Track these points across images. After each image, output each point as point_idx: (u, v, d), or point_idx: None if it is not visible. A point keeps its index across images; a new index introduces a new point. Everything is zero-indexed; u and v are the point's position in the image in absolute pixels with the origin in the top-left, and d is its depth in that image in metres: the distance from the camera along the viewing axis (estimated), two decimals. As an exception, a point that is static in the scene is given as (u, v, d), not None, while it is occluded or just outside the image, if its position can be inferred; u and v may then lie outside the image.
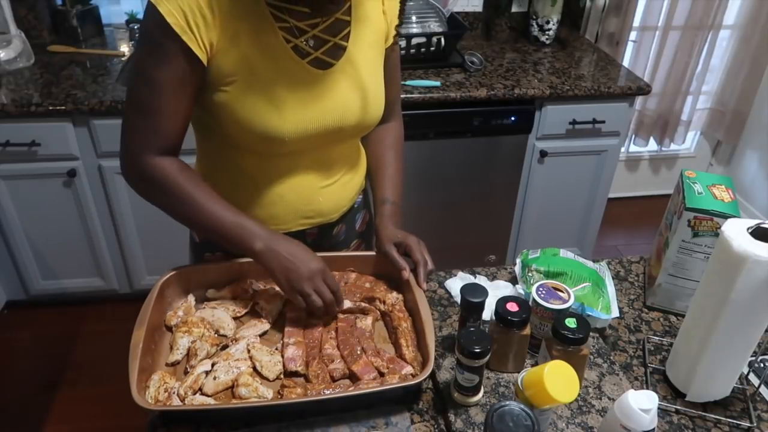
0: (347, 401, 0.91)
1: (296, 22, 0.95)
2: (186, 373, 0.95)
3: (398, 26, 1.09)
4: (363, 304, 1.07)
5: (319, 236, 1.19)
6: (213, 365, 0.94)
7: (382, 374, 0.95)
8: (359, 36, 1.02)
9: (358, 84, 1.02)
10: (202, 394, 0.91)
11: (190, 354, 0.97)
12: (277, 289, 1.11)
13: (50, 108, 1.87)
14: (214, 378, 0.92)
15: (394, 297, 1.09)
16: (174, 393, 0.89)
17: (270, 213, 1.11)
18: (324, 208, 1.14)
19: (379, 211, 1.15)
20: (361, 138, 1.19)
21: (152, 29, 0.89)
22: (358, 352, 0.98)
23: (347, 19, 1.00)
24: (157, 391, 0.89)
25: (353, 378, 0.95)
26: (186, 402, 0.89)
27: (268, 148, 1.01)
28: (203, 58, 0.91)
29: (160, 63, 0.90)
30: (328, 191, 1.13)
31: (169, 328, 1.02)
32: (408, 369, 0.95)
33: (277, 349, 1.00)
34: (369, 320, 1.05)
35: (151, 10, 0.88)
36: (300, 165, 1.07)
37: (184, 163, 1.00)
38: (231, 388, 0.93)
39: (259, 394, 0.91)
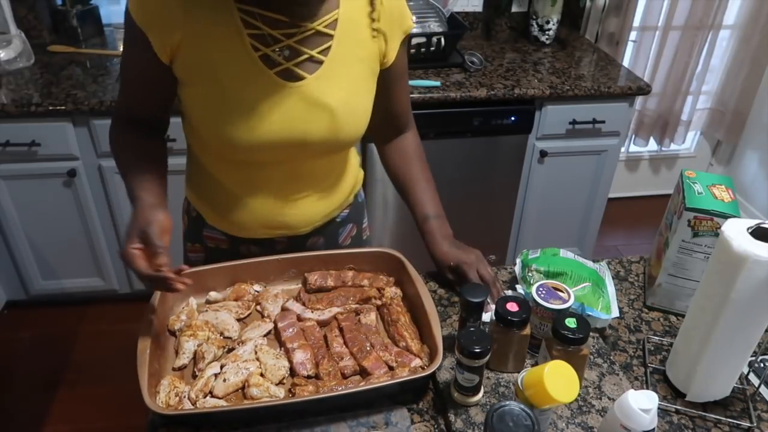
0: (359, 397, 0.91)
1: (270, 30, 0.93)
2: (194, 376, 0.95)
3: (408, 37, 1.07)
4: (355, 306, 1.08)
5: (290, 245, 1.17)
6: (222, 367, 0.95)
7: (391, 368, 0.96)
8: (342, 53, 0.98)
9: (332, 101, 0.98)
10: (213, 396, 0.91)
11: (197, 357, 0.97)
12: (278, 289, 1.12)
13: (50, 108, 1.87)
14: (224, 380, 0.92)
15: (392, 291, 1.09)
16: (185, 397, 0.90)
17: (236, 219, 1.11)
18: (291, 221, 1.11)
19: (424, 229, 1.14)
20: (380, 153, 1.20)
21: (126, 15, 0.92)
22: (368, 348, 0.98)
23: (330, 33, 0.97)
24: (168, 395, 0.89)
25: (364, 374, 0.96)
26: (198, 405, 0.89)
27: (229, 154, 1.00)
28: (162, 55, 0.92)
29: (129, 47, 0.96)
30: (297, 205, 1.10)
31: (173, 333, 1.02)
32: (417, 361, 0.96)
33: (281, 350, 1.00)
34: (373, 315, 1.06)
35: None
36: (267, 176, 1.05)
37: (148, 138, 1.04)
38: (241, 390, 0.93)
39: (270, 393, 0.91)
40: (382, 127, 1.17)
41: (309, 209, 1.12)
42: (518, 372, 0.97)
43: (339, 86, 0.99)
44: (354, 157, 1.22)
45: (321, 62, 0.97)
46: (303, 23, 0.94)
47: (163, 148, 1.09)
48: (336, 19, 0.97)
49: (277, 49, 0.94)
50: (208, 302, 1.09)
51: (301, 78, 0.96)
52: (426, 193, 1.18)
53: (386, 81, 1.08)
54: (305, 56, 0.96)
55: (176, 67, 0.94)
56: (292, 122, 0.97)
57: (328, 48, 0.97)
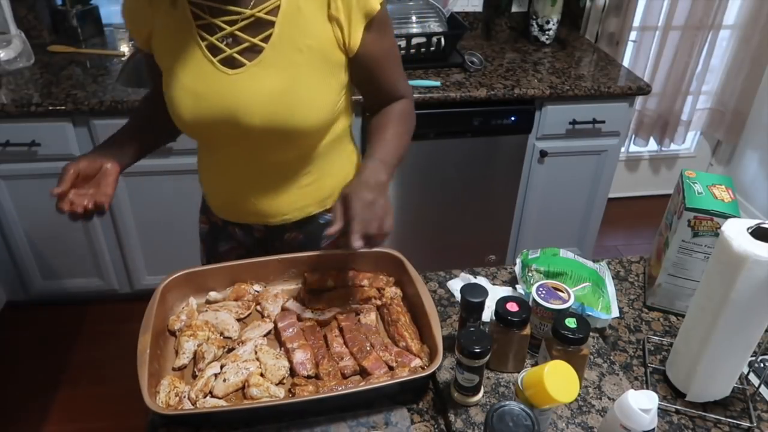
0: (359, 397, 0.91)
1: (213, 19, 0.98)
2: (194, 376, 0.95)
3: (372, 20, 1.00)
4: (355, 306, 1.08)
5: (267, 234, 1.19)
6: (222, 367, 0.95)
7: (391, 368, 0.96)
8: (285, 40, 0.98)
9: (269, 88, 0.98)
10: (213, 396, 0.91)
11: (196, 357, 0.97)
12: (278, 289, 1.12)
13: (50, 108, 1.87)
14: (224, 380, 0.92)
15: (392, 291, 1.09)
16: (185, 397, 0.90)
17: (213, 200, 1.21)
18: (260, 209, 1.13)
19: (366, 164, 1.04)
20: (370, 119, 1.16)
21: None
22: (368, 348, 0.98)
23: (272, 19, 0.97)
24: (168, 395, 0.89)
25: (364, 374, 0.96)
26: (198, 405, 0.89)
27: (187, 133, 1.08)
28: (142, 45, 1.07)
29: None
30: (266, 194, 1.11)
31: (173, 333, 1.02)
32: (417, 361, 0.96)
33: (281, 350, 1.00)
34: (373, 315, 1.06)
35: None
36: (233, 161, 1.10)
37: (148, 107, 1.17)
38: (241, 389, 0.93)
39: (270, 393, 0.91)
40: (374, 105, 1.16)
41: (278, 200, 1.12)
42: (518, 372, 0.97)
43: (278, 74, 0.99)
44: (344, 162, 1.18)
45: (261, 49, 0.99)
46: (239, 9, 0.97)
47: (156, 113, 1.14)
48: (278, 6, 0.97)
49: (222, 38, 0.99)
50: (208, 302, 1.09)
51: (242, 65, 0.99)
52: (386, 143, 1.09)
53: (363, 68, 1.06)
54: (246, 44, 0.99)
55: (154, 55, 1.06)
56: (230, 108, 1.00)
57: (269, 35, 0.98)
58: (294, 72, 0.99)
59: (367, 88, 1.12)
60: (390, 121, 1.12)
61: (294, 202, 1.14)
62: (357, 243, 0.91)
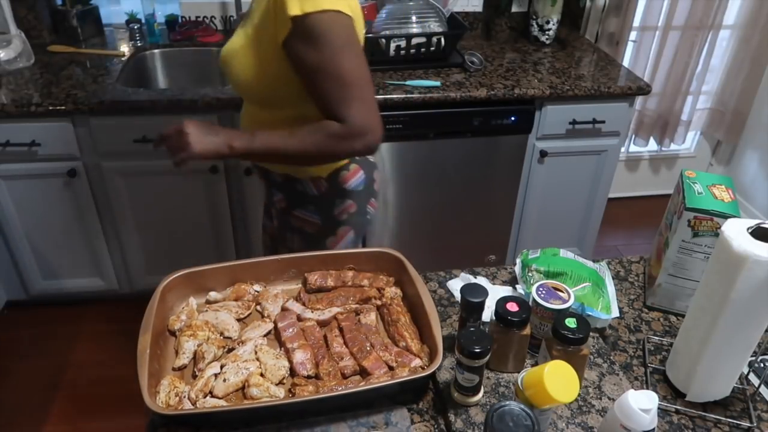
0: (359, 397, 0.91)
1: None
2: (194, 376, 0.95)
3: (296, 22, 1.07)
4: (355, 306, 1.08)
5: (264, 178, 1.39)
6: (222, 367, 0.95)
7: (391, 368, 0.95)
8: (253, 15, 1.17)
9: (228, 48, 1.23)
10: (213, 396, 0.91)
11: (196, 357, 0.97)
12: (278, 289, 1.12)
13: (50, 108, 1.87)
14: (224, 380, 0.92)
15: (392, 291, 1.09)
16: (185, 397, 0.90)
17: None
18: None
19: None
20: None
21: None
22: (368, 348, 0.98)
23: None
24: (168, 395, 0.89)
25: (364, 374, 0.96)
26: (198, 405, 0.89)
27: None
28: None
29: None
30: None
31: (173, 333, 1.02)
32: (417, 361, 0.96)
33: (281, 350, 1.00)
34: (373, 315, 1.06)
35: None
36: (242, 113, 1.34)
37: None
38: (241, 390, 0.93)
39: (270, 393, 0.91)
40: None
41: None
42: (518, 372, 0.97)
43: (237, 39, 1.21)
44: None
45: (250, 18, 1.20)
46: None
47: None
48: None
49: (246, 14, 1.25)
50: (208, 302, 1.09)
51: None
52: (274, 133, 1.16)
53: (299, 73, 1.13)
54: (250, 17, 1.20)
55: None
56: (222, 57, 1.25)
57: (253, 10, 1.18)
58: (243, 41, 1.19)
59: (311, 97, 1.16)
60: (301, 127, 1.14)
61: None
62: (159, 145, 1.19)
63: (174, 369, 0.97)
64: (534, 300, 0.97)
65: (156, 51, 2.35)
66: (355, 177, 1.33)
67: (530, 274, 1.13)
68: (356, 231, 1.38)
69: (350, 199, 1.33)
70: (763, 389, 0.99)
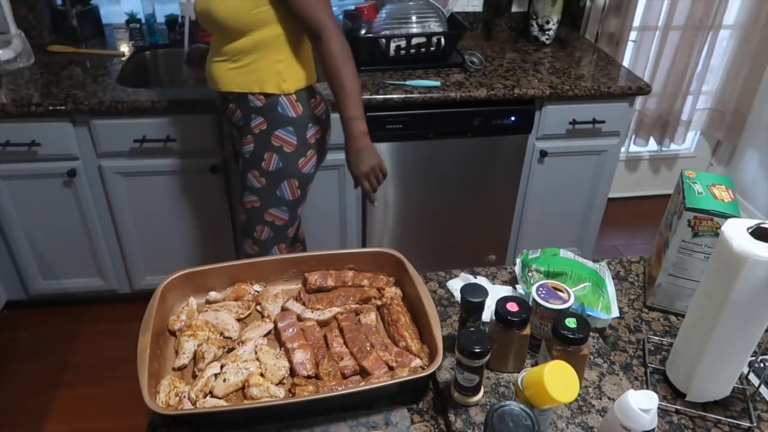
0: (359, 397, 0.91)
1: None
2: (194, 376, 0.95)
3: None
4: (355, 306, 1.08)
5: (221, 101, 1.62)
6: (222, 367, 0.95)
7: (391, 368, 0.95)
8: None
9: None
10: (213, 396, 0.91)
11: (197, 357, 0.97)
12: (278, 289, 1.12)
13: (50, 108, 1.87)
14: (224, 380, 0.92)
15: (392, 291, 1.09)
16: (185, 397, 0.90)
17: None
18: (212, 76, 1.55)
19: (344, 129, 1.48)
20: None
21: None
22: (368, 348, 0.98)
23: None
24: (168, 395, 0.89)
25: (364, 374, 0.96)
26: (198, 405, 0.89)
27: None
28: None
29: None
30: (216, 65, 1.53)
31: (173, 333, 1.02)
32: (417, 362, 0.96)
33: (281, 350, 1.00)
34: (373, 315, 1.06)
35: None
36: (212, 43, 1.55)
37: None
38: (241, 389, 0.93)
39: (270, 393, 0.91)
40: (310, 40, 1.48)
41: (221, 71, 1.53)
42: (518, 372, 0.97)
43: None
44: (268, 62, 1.48)
45: None
46: None
47: None
48: None
49: None
50: (208, 302, 1.09)
51: None
52: (349, 98, 1.45)
53: None
54: None
55: None
56: None
57: None
58: None
59: (293, 15, 1.42)
60: (334, 79, 1.44)
61: (226, 76, 1.53)
62: (371, 197, 1.52)
63: (174, 369, 0.97)
64: (534, 300, 0.97)
65: (156, 51, 2.36)
66: (320, 105, 1.59)
67: (530, 274, 1.13)
68: (319, 155, 1.63)
69: (317, 125, 1.58)
70: (763, 389, 0.99)
